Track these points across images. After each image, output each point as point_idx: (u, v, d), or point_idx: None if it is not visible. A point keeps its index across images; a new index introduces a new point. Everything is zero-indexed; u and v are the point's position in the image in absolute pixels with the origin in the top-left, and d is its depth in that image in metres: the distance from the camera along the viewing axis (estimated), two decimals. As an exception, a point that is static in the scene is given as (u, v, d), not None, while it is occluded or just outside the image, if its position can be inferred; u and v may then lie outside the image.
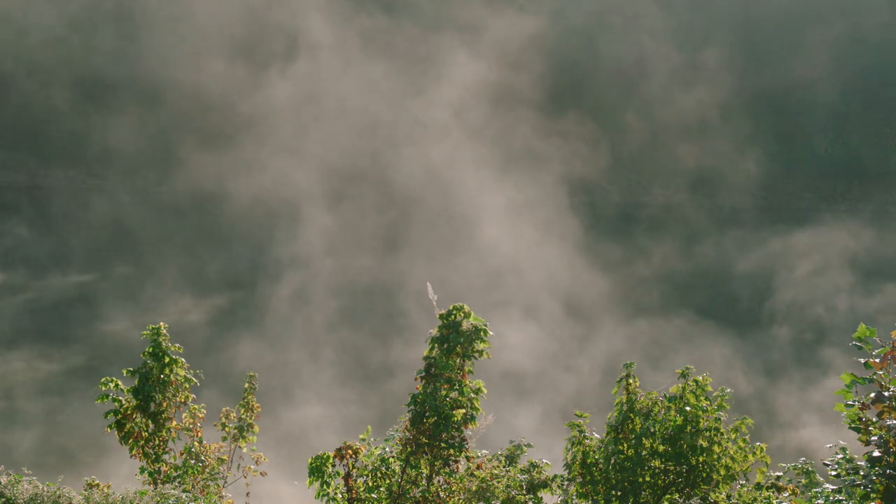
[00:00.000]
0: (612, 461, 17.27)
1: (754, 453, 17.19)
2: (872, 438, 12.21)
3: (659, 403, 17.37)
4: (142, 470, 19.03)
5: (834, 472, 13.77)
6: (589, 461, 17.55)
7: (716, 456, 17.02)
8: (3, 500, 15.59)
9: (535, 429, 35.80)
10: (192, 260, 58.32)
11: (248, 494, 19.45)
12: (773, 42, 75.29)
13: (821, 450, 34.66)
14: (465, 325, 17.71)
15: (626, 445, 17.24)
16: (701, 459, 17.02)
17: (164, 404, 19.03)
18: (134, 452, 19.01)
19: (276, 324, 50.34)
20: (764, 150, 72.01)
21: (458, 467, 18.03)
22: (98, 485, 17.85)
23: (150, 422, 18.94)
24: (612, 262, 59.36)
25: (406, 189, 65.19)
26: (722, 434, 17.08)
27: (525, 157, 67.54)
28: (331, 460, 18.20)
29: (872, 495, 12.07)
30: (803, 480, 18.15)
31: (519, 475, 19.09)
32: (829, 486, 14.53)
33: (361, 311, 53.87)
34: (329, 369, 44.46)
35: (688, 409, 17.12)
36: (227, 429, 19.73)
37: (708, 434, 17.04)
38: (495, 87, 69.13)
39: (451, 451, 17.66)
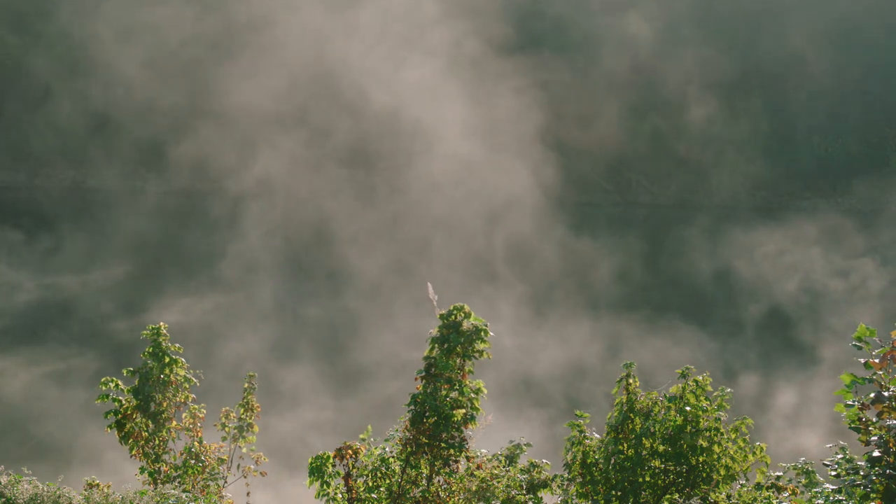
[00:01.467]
0: (612, 461, 17.28)
1: (754, 453, 17.19)
2: (872, 438, 12.21)
3: (659, 403, 17.38)
4: (142, 470, 19.03)
5: (834, 472, 13.79)
6: (589, 461, 17.56)
7: (716, 456, 17.02)
8: (3, 500, 15.60)
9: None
10: (167, 249, 58.43)
11: (248, 494, 19.47)
12: (773, 40, 75.23)
13: (787, 442, 34.62)
14: (466, 325, 17.73)
15: (626, 445, 17.25)
16: (701, 459, 17.02)
17: (164, 404, 19.04)
18: (134, 452, 19.02)
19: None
20: (763, 150, 72.03)
21: (458, 467, 18.04)
22: (98, 485, 17.84)
23: (150, 422, 18.95)
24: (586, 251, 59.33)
25: (363, 109, 64.79)
26: (722, 434, 17.09)
27: (489, 83, 66.89)
28: (331, 460, 18.21)
29: (872, 495, 12.07)
30: (803, 480, 18.15)
31: (519, 475, 19.11)
32: (829, 486, 14.54)
33: (305, 266, 54.42)
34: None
35: (688, 409, 17.12)
36: (226, 429, 19.75)
37: (708, 434, 17.05)
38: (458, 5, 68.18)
39: (451, 451, 17.67)
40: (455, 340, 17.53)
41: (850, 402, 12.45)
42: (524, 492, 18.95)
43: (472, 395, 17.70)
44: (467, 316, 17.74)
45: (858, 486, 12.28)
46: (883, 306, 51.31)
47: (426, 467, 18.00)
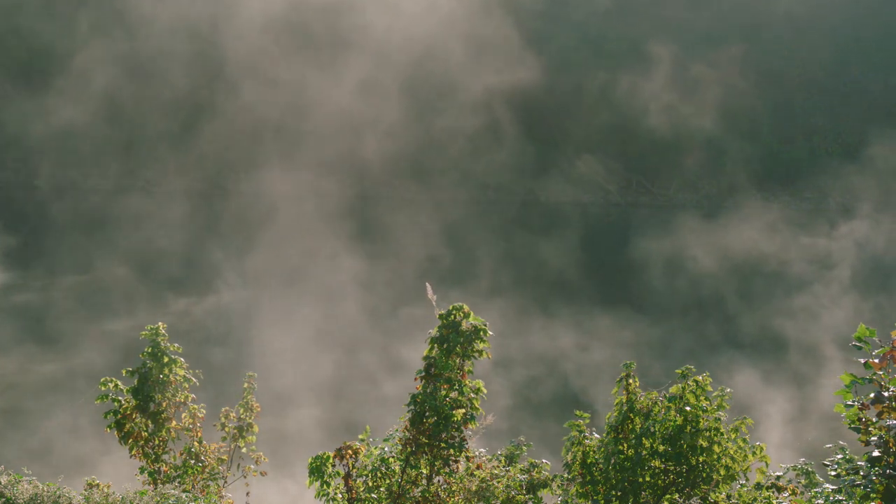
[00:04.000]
0: (612, 461, 17.27)
1: (754, 453, 17.19)
2: (872, 438, 12.20)
3: (659, 403, 17.37)
4: (142, 470, 19.04)
5: (834, 472, 13.78)
6: (589, 461, 17.55)
7: (716, 456, 17.02)
8: (3, 500, 15.59)
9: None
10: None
11: (248, 494, 19.48)
12: (774, 39, 75.24)
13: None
14: (465, 325, 17.73)
15: (626, 445, 17.24)
16: (701, 459, 17.02)
17: (164, 404, 19.03)
18: (134, 452, 19.02)
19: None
20: (763, 149, 72.03)
21: (458, 467, 18.04)
22: (98, 485, 17.84)
23: (149, 422, 18.95)
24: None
25: None
26: (722, 434, 17.08)
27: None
28: (331, 460, 18.21)
29: (872, 495, 12.06)
30: (803, 480, 18.15)
31: (519, 475, 19.11)
32: (829, 486, 14.53)
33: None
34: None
35: (688, 409, 17.12)
36: (226, 429, 19.76)
37: (708, 434, 17.04)
38: None
39: (451, 451, 17.67)
40: (454, 340, 17.53)
41: (849, 402, 12.44)
42: (524, 492, 18.95)
43: (472, 395, 17.70)
44: (466, 316, 17.74)
45: (858, 486, 12.27)
46: (848, 298, 51.15)
47: (426, 467, 18.00)
